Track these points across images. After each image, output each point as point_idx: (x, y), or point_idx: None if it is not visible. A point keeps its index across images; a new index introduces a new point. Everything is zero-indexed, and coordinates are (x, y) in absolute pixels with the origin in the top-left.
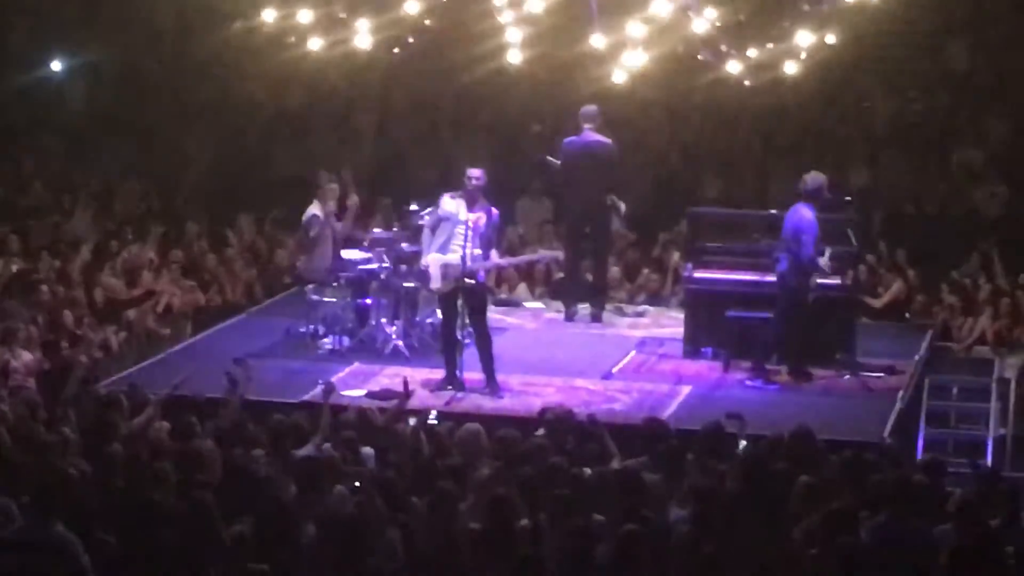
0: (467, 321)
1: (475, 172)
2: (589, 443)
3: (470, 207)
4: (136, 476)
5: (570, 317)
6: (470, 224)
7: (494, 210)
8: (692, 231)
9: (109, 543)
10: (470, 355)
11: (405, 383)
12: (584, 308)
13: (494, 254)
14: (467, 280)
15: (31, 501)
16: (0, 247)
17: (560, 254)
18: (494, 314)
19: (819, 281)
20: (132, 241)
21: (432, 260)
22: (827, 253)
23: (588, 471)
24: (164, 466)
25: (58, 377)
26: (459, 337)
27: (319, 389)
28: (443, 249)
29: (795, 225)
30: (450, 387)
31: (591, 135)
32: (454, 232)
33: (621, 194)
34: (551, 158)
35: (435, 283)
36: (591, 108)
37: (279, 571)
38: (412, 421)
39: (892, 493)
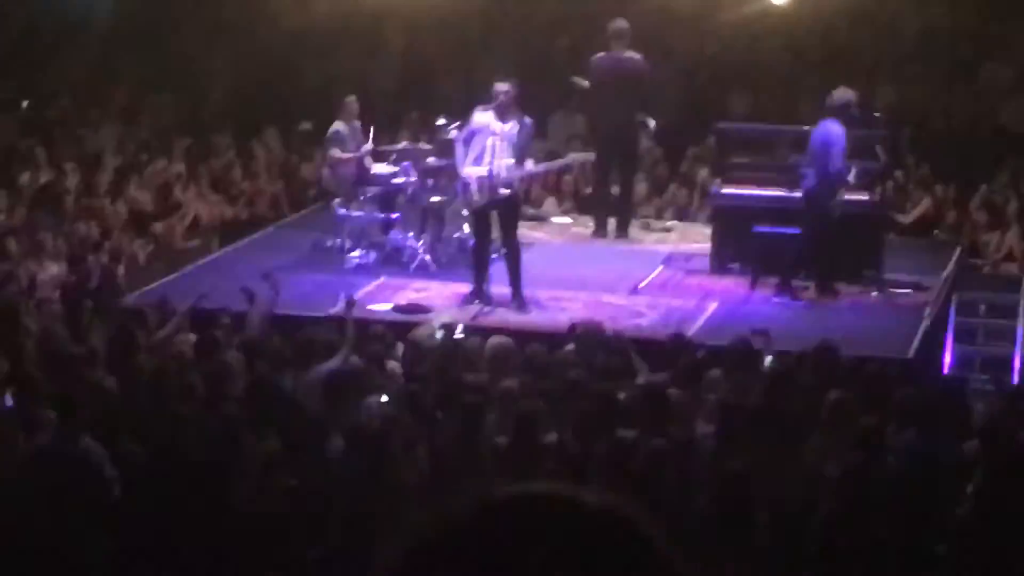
0: (498, 234)
1: (503, 86)
2: (615, 358)
3: (502, 119)
4: (162, 389)
5: (599, 232)
6: (502, 135)
7: (527, 119)
8: (719, 147)
9: (136, 455)
10: (497, 269)
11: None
12: (612, 223)
13: (529, 163)
14: (501, 191)
15: (57, 414)
16: (26, 159)
17: (592, 155)
18: (521, 228)
19: (846, 196)
20: (158, 155)
21: (471, 172)
22: (854, 170)
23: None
24: (190, 379)
25: (84, 290)
26: (490, 250)
27: (341, 303)
28: (477, 162)
29: (824, 138)
30: (477, 300)
31: (621, 52)
32: (486, 145)
33: (651, 111)
34: (578, 78)
35: (475, 195)
36: (621, 24)
37: (306, 485)
38: (438, 334)
39: (919, 410)
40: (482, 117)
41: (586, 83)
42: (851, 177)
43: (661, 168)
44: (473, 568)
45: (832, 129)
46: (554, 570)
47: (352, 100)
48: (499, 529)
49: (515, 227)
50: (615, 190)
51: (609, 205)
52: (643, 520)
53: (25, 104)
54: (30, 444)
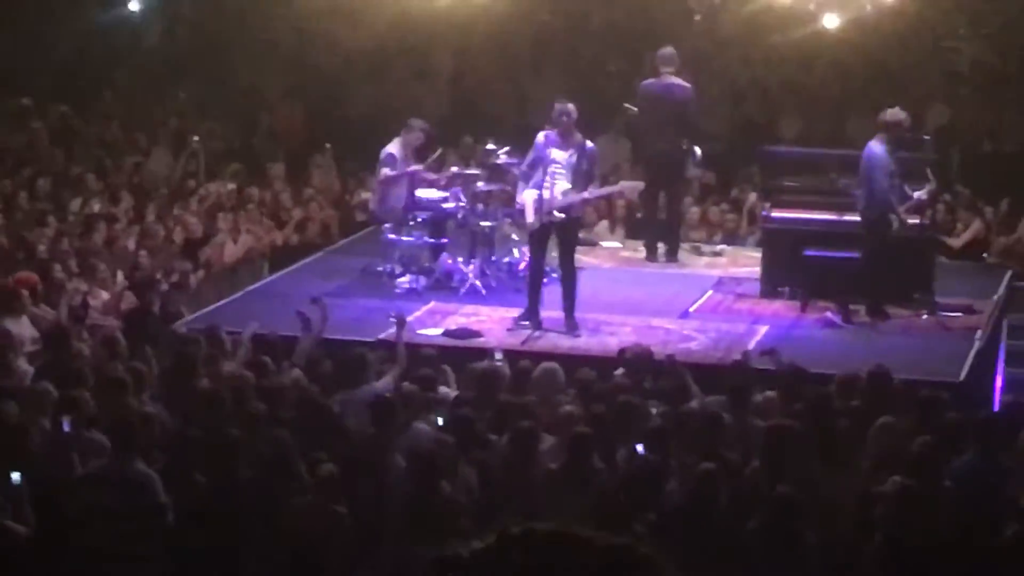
0: (554, 256)
1: (564, 107)
2: (667, 381)
3: (563, 143)
4: (216, 414)
5: (649, 257)
6: (563, 161)
7: (589, 144)
8: (766, 170)
9: (189, 480)
10: (548, 292)
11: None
12: (662, 248)
13: (589, 188)
14: (557, 215)
15: (111, 438)
16: (79, 186)
17: (641, 184)
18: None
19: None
20: (209, 180)
21: (527, 196)
22: (905, 187)
23: (663, 410)
24: (247, 404)
25: (137, 316)
26: (544, 274)
27: (392, 323)
28: (538, 186)
29: (867, 159)
30: (527, 322)
31: (669, 78)
32: (547, 169)
33: (697, 138)
34: (629, 105)
35: (528, 218)
36: (668, 51)
37: (357, 509)
38: (491, 359)
39: (976, 433)
40: (544, 141)
41: (636, 110)
42: (918, 195)
43: (711, 192)
44: None
45: (874, 150)
46: None
47: (419, 123)
48: (516, 561)
49: (572, 251)
50: (663, 215)
51: (659, 230)
52: (656, 560)
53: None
54: (84, 469)
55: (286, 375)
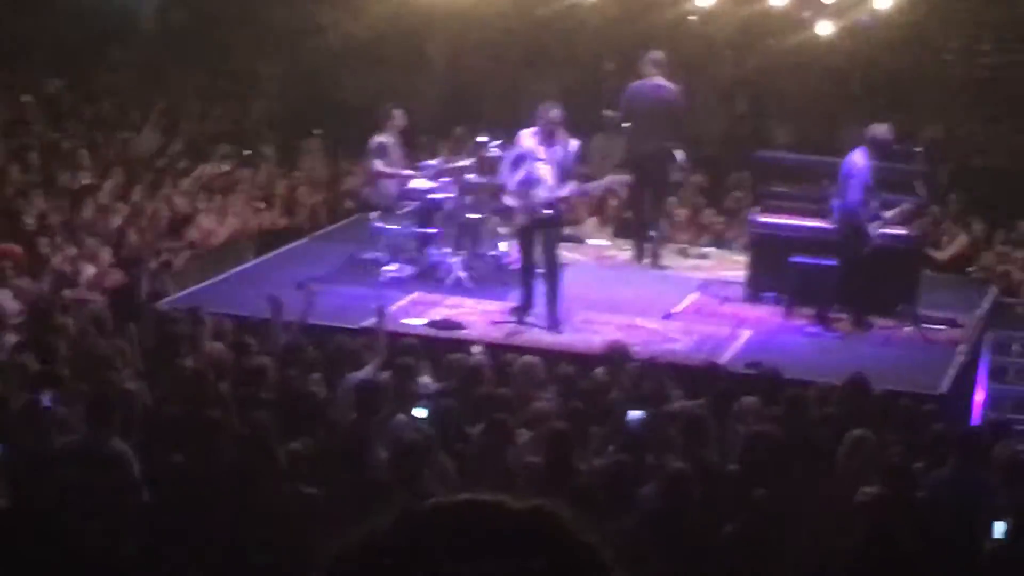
0: (539, 253)
1: (551, 111)
2: (647, 382)
3: (547, 141)
4: (195, 393)
5: (636, 257)
6: (548, 158)
7: (573, 141)
8: (758, 176)
9: (166, 458)
10: (536, 288)
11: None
12: (648, 249)
13: (571, 184)
14: (544, 211)
15: (90, 413)
16: (70, 160)
17: (627, 178)
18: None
19: (881, 231)
20: (199, 161)
21: (512, 195)
22: (874, 203)
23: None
24: (224, 385)
25: (123, 293)
26: (535, 270)
27: (373, 313)
28: (522, 183)
29: (845, 170)
30: (516, 318)
31: (657, 80)
32: (532, 167)
33: (683, 142)
34: (609, 111)
35: (515, 216)
36: (657, 54)
37: (335, 494)
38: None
39: (955, 446)
40: (528, 140)
41: (616, 115)
42: (890, 214)
43: (700, 195)
44: None
45: (856, 161)
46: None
47: (400, 113)
48: (420, 539)
49: (556, 247)
50: (650, 218)
51: (645, 230)
52: (577, 524)
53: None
54: (62, 444)
55: (265, 359)
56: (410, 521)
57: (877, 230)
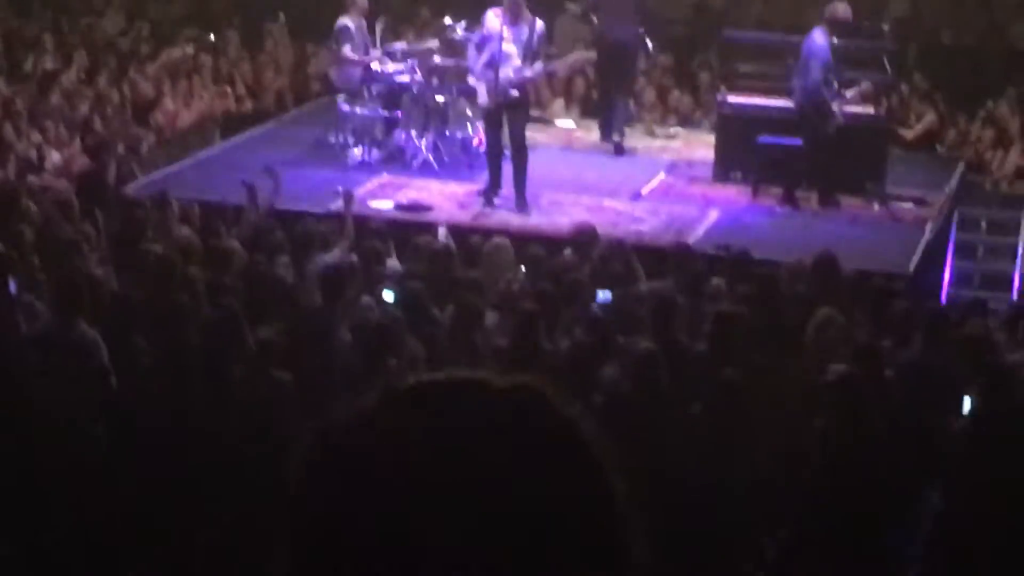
0: (506, 135)
1: None
2: (614, 263)
3: (513, 22)
4: (163, 279)
5: (604, 138)
6: (513, 38)
7: (539, 21)
8: (725, 55)
9: (134, 344)
10: (503, 170)
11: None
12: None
13: (537, 64)
14: (510, 93)
15: (57, 299)
16: (34, 44)
17: (592, 55)
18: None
19: (846, 109)
20: (164, 44)
21: (481, 75)
22: (861, 85)
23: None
24: (191, 270)
25: (89, 179)
26: (502, 152)
27: (340, 197)
28: (488, 65)
29: (805, 50)
30: (484, 201)
31: None
32: (498, 48)
33: (651, 26)
34: (570, 4)
35: (481, 98)
36: None
37: (303, 378)
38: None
39: (922, 325)
40: (493, 21)
41: (577, 9)
42: (850, 94)
43: (667, 75)
44: (383, 456)
45: (815, 40)
46: (465, 453)
47: None
48: (406, 417)
49: (523, 129)
50: (616, 99)
51: (612, 112)
52: (559, 399)
53: None
54: (28, 330)
55: (234, 242)
56: (394, 399)
57: (840, 108)
